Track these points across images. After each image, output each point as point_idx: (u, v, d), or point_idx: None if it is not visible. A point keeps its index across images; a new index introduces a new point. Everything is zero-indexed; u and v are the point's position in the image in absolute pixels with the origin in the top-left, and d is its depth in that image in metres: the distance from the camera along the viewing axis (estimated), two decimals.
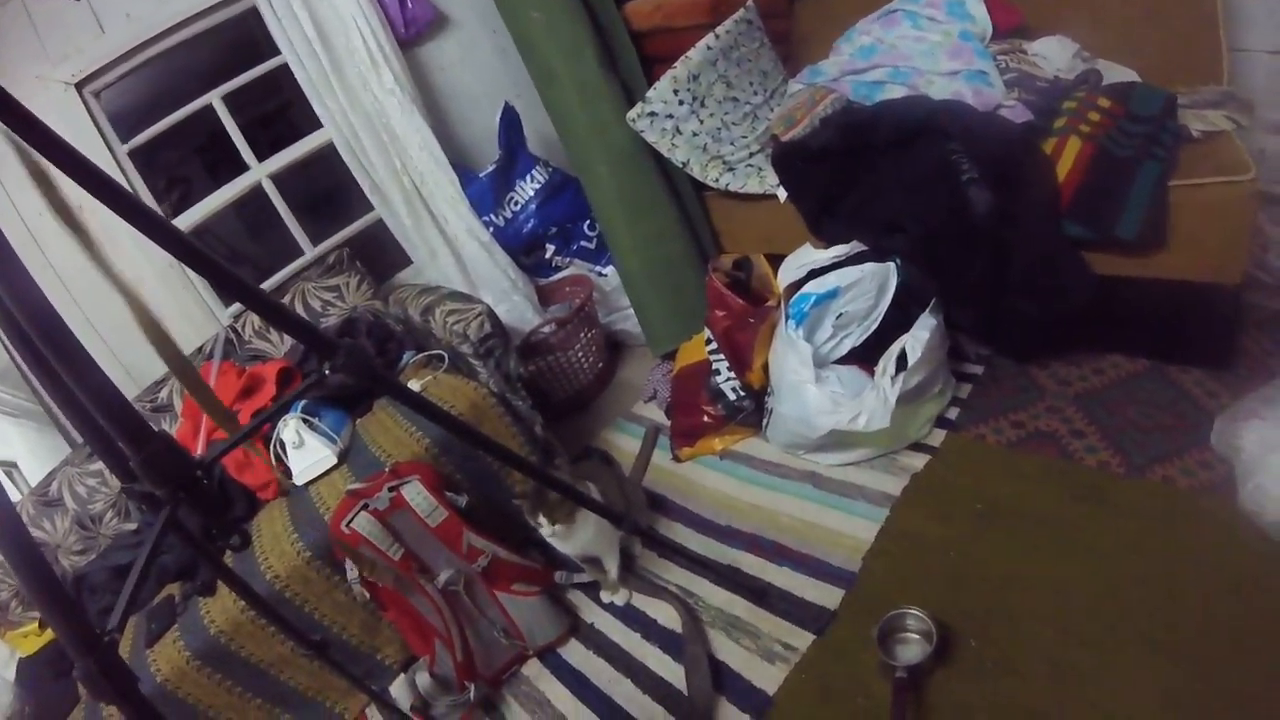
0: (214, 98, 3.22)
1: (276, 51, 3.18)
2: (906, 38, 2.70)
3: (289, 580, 2.19)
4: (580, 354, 3.28)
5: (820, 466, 2.45)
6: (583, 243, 3.52)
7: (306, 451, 2.49)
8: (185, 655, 2.11)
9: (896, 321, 2.36)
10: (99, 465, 2.84)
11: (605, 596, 2.33)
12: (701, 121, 2.92)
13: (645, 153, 3.00)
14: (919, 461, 2.31)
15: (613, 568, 2.29)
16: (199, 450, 2.63)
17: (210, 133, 3.39)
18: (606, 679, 2.13)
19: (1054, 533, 1.94)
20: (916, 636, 1.82)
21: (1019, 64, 2.47)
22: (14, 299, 0.99)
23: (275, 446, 2.53)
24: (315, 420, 2.53)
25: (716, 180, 2.94)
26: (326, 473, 2.49)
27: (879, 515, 2.20)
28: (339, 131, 3.21)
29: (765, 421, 2.63)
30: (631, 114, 2.87)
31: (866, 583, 2.04)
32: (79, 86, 2.90)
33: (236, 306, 3.31)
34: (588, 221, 3.46)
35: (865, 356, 2.39)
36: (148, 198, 3.14)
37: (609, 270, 3.43)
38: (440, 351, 2.78)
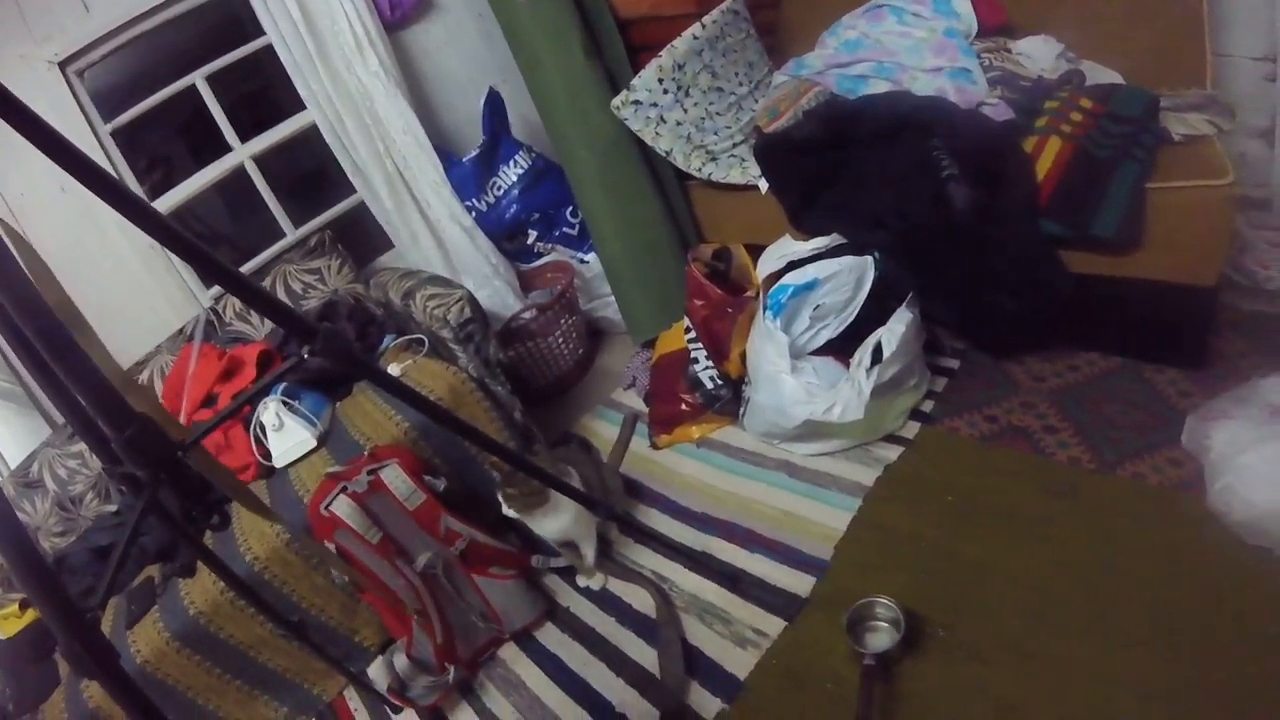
0: (198, 78, 3.21)
1: (261, 32, 3.16)
2: (892, 33, 2.71)
3: (268, 562, 2.20)
4: (560, 340, 3.29)
5: (795, 456, 2.47)
6: (565, 229, 3.52)
7: (286, 434, 2.49)
8: (165, 636, 2.12)
9: (873, 314, 2.38)
10: (79, 447, 2.84)
11: (581, 581, 2.35)
12: (686, 111, 2.92)
13: (629, 140, 3.00)
14: (893, 453, 2.33)
15: (589, 553, 2.30)
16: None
17: (193, 112, 3.37)
18: (581, 662, 2.15)
19: (1025, 526, 1.96)
20: (885, 625, 1.85)
21: (1003, 62, 2.48)
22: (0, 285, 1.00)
23: (255, 429, 2.54)
24: (295, 403, 2.53)
25: (699, 170, 2.95)
26: (306, 455, 2.50)
27: (852, 505, 2.22)
28: (322, 114, 3.20)
29: (742, 411, 2.65)
30: (616, 102, 2.87)
31: (838, 571, 2.06)
32: (62, 66, 2.89)
33: (217, 289, 3.30)
34: (570, 208, 3.46)
35: (841, 348, 2.41)
36: (129, 178, 3.13)
37: (590, 257, 3.44)
38: (420, 336, 2.78)
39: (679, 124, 2.92)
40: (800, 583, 2.07)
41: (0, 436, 3.13)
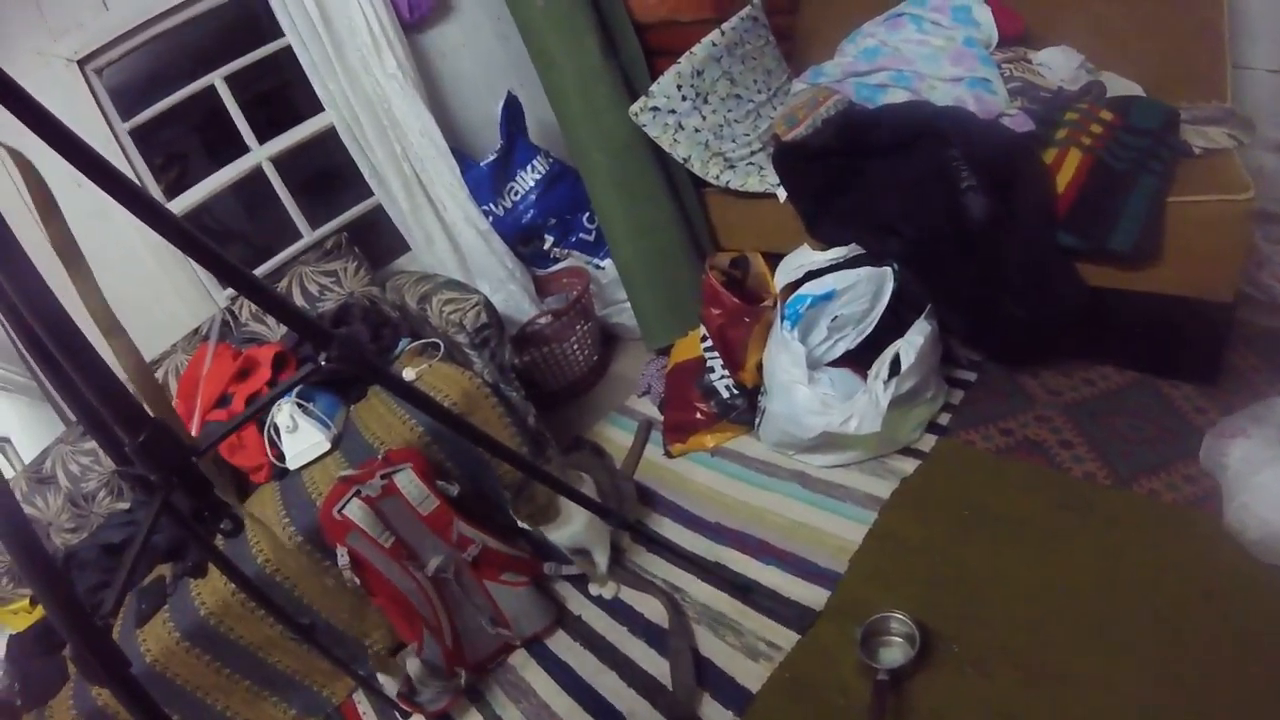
0: (216, 78, 3.22)
1: (279, 33, 3.17)
2: (911, 41, 2.70)
3: (279, 564, 2.20)
4: (575, 346, 3.29)
5: (810, 467, 2.46)
6: (581, 234, 3.52)
7: (300, 436, 2.50)
8: (174, 636, 2.12)
9: (891, 326, 2.37)
10: (92, 444, 2.84)
11: (593, 589, 2.35)
12: (704, 118, 2.92)
13: (644, 144, 3.00)
14: (908, 465, 2.33)
15: (602, 561, 2.30)
16: (193, 432, 2.63)
17: (211, 112, 3.38)
18: (591, 670, 2.14)
19: (1039, 541, 1.95)
20: (899, 639, 1.84)
21: (1023, 73, 2.47)
22: (15, 284, 1.00)
23: (269, 430, 2.54)
24: (309, 405, 2.54)
25: (717, 177, 2.94)
26: (319, 458, 2.50)
27: (866, 517, 2.21)
28: (340, 115, 3.21)
29: (757, 420, 2.64)
30: (634, 108, 2.86)
31: (851, 584, 2.06)
32: (81, 63, 2.90)
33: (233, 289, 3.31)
34: (587, 214, 3.46)
35: (859, 359, 2.40)
36: (146, 177, 3.14)
37: (606, 263, 3.43)
38: (436, 340, 2.78)
39: (697, 131, 2.91)
40: (813, 595, 2.06)
41: (14, 431, 3.14)
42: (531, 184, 3.40)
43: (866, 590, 2.02)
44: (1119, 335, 2.31)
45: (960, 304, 2.40)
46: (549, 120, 3.32)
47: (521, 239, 3.48)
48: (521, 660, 2.27)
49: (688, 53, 2.84)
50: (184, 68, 3.24)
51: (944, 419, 2.43)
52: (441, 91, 3.57)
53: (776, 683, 1.90)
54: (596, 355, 3.46)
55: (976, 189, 2.23)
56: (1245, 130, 2.12)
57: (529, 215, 3.42)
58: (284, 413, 2.49)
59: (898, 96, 2.62)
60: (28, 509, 2.79)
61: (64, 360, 1.07)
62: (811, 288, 2.48)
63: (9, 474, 2.98)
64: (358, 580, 2.11)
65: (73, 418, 2.96)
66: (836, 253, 2.56)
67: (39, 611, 2.53)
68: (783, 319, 2.47)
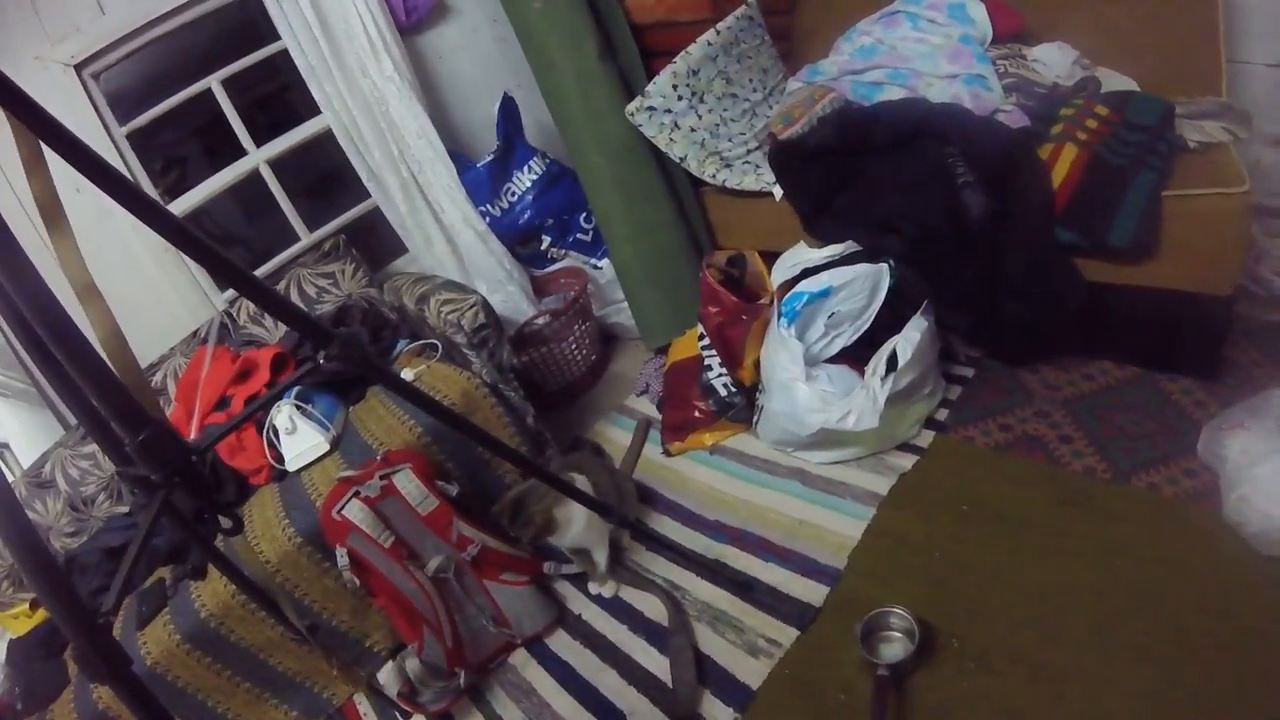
0: (213, 82, 3.22)
1: (276, 36, 3.17)
2: (907, 39, 2.70)
3: (280, 565, 2.20)
4: (574, 346, 3.29)
5: (809, 464, 2.46)
6: (579, 235, 3.52)
7: (299, 438, 2.50)
8: (175, 638, 2.13)
9: (888, 322, 2.38)
10: (92, 447, 2.84)
11: (593, 588, 2.35)
12: (700, 117, 2.92)
13: (642, 144, 3.00)
14: (907, 462, 2.33)
15: (602, 560, 2.30)
16: (192, 435, 2.63)
17: (209, 115, 3.38)
18: (592, 669, 2.14)
19: (1039, 536, 1.95)
20: (899, 635, 1.84)
21: (1018, 69, 2.47)
22: (15, 284, 1.00)
23: (268, 432, 2.54)
24: (308, 407, 2.54)
25: (713, 176, 2.94)
26: (319, 459, 2.50)
27: (865, 514, 2.21)
28: (337, 118, 3.21)
29: (756, 418, 2.65)
30: (630, 108, 2.87)
31: (851, 580, 2.06)
32: (78, 68, 2.90)
33: (232, 291, 3.31)
34: (584, 214, 3.46)
35: (856, 356, 2.41)
36: (144, 181, 3.14)
37: (604, 263, 3.44)
38: (434, 341, 2.78)
39: (693, 130, 2.92)
40: (813, 591, 2.06)
41: (14, 436, 3.14)
42: (529, 185, 3.40)
43: (866, 586, 2.02)
44: (1118, 330, 2.31)
45: (959, 301, 2.40)
46: (546, 121, 3.32)
47: (519, 239, 3.49)
48: (522, 660, 2.26)
49: (683, 52, 2.84)
50: (181, 72, 3.23)
51: (942, 415, 2.43)
52: (439, 93, 3.57)
53: (777, 679, 1.90)
54: (595, 355, 3.46)
55: (974, 186, 2.23)
56: (1242, 124, 2.12)
57: (526, 216, 3.42)
58: (283, 414, 2.49)
59: (894, 94, 2.62)
60: (28, 514, 2.78)
61: (63, 360, 1.07)
62: (808, 285, 2.49)
63: (8, 479, 2.98)
64: (358, 581, 2.11)
65: (72, 422, 2.96)
66: (833, 250, 2.56)
67: (39, 615, 2.54)
68: (780, 316, 2.48)
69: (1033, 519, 2.00)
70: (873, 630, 1.85)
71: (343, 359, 1.30)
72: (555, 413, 3.29)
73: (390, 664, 2.33)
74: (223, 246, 1.20)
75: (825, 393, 2.32)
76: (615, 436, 3.03)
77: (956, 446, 2.32)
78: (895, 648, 1.82)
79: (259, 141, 3.37)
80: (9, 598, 2.71)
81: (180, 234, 1.12)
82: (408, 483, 2.17)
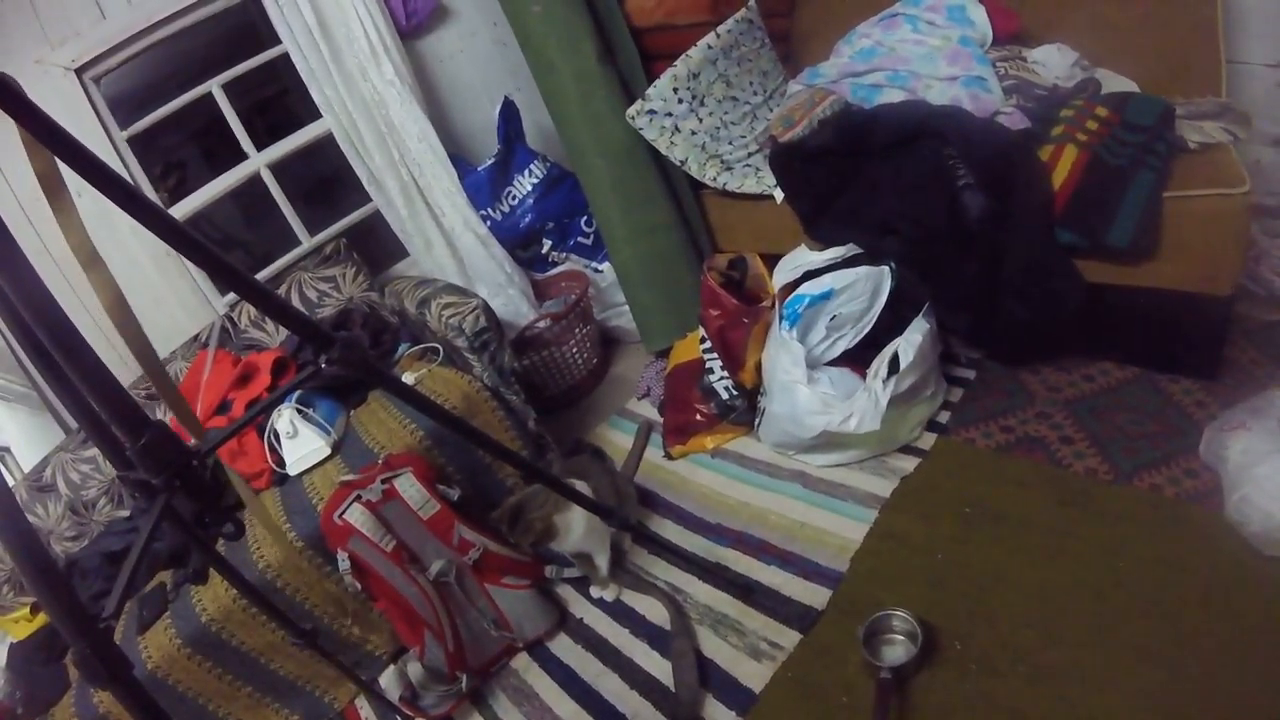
0: (214, 85, 3.22)
1: (277, 40, 3.17)
2: (906, 41, 2.70)
3: (281, 569, 2.20)
4: (575, 349, 3.29)
5: (810, 467, 2.46)
6: (579, 238, 3.53)
7: (300, 442, 2.50)
8: (176, 642, 2.12)
9: (889, 324, 2.38)
10: (92, 451, 2.84)
11: (595, 592, 2.34)
12: (700, 120, 2.92)
13: (642, 148, 3.00)
14: (909, 464, 2.33)
15: (603, 563, 2.30)
16: (193, 439, 2.63)
17: (209, 119, 3.38)
18: (594, 673, 2.14)
19: (1040, 537, 1.95)
20: (901, 637, 1.84)
21: (1018, 71, 2.47)
22: (13, 287, 1.00)
23: (269, 436, 2.54)
24: (309, 411, 2.54)
25: (714, 179, 2.95)
26: (320, 463, 2.50)
27: (867, 516, 2.21)
28: (338, 122, 3.22)
29: (757, 421, 2.65)
30: (631, 111, 2.87)
31: (853, 583, 2.05)
32: (79, 72, 2.90)
33: (232, 295, 3.31)
34: (585, 217, 3.47)
35: (858, 358, 2.41)
36: (145, 184, 3.14)
37: (605, 266, 3.44)
38: (435, 344, 2.78)
39: (694, 133, 2.92)
40: (815, 594, 2.06)
41: (14, 440, 3.14)
42: (529, 188, 3.41)
43: (868, 589, 2.01)
44: (1118, 331, 2.31)
45: (959, 302, 2.40)
46: (546, 125, 3.33)
47: (520, 243, 3.49)
48: (524, 663, 2.26)
49: (683, 56, 2.85)
50: (182, 76, 3.24)
51: (944, 417, 2.43)
52: (439, 97, 3.57)
53: (779, 682, 1.89)
54: (596, 358, 3.46)
55: (973, 187, 2.23)
56: (1241, 125, 2.12)
57: (527, 219, 3.43)
58: (284, 419, 2.49)
59: (894, 96, 2.62)
60: (28, 517, 2.78)
61: (64, 363, 1.07)
62: (809, 288, 2.49)
63: (9, 483, 2.98)
64: (359, 585, 2.11)
65: (73, 425, 2.96)
66: (834, 252, 2.56)
67: (40, 619, 2.53)
68: (781, 319, 2.48)
69: (1034, 520, 2.00)
70: (875, 632, 1.85)
71: (343, 363, 1.30)
72: (556, 416, 3.29)
73: (391, 668, 2.33)
74: (223, 250, 1.19)
75: (827, 395, 2.31)
76: (616, 439, 3.03)
77: (958, 448, 2.32)
78: (897, 650, 1.82)
79: (259, 145, 3.37)
80: (10, 602, 2.71)
81: (181, 238, 1.12)
82: (409, 486, 2.17)
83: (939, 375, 2.46)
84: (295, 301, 3.20)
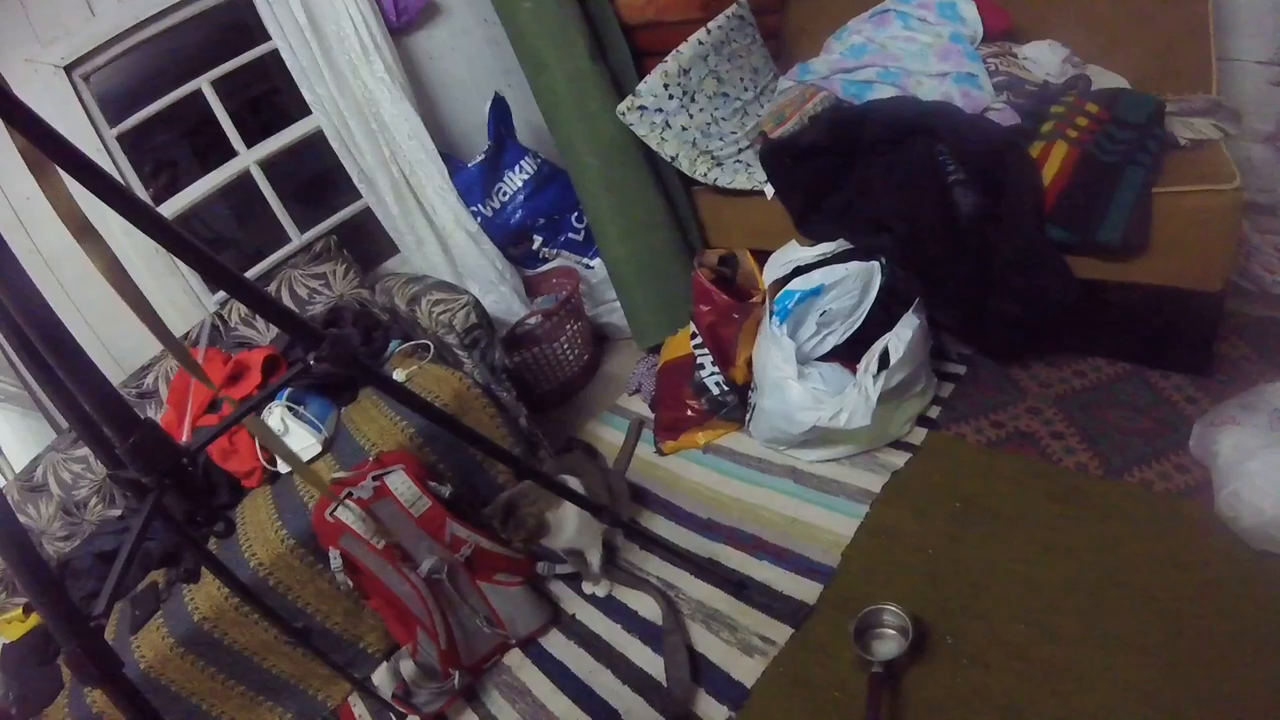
0: (203, 83, 3.21)
1: (267, 37, 3.16)
2: (897, 38, 2.71)
3: (273, 568, 2.20)
4: (566, 346, 3.29)
5: (802, 462, 2.46)
6: (570, 234, 3.52)
7: (291, 440, 2.49)
8: (169, 642, 2.12)
9: (880, 320, 2.38)
10: (84, 451, 2.83)
11: (587, 588, 2.35)
12: (691, 116, 2.92)
13: (634, 144, 3.00)
14: (899, 459, 2.33)
15: (595, 560, 2.30)
16: (184, 437, 2.62)
17: (199, 117, 3.37)
18: (587, 669, 2.14)
19: (1031, 532, 1.96)
20: (893, 632, 1.84)
21: (1008, 67, 2.48)
22: (4, 286, 1.00)
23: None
24: (300, 408, 2.53)
25: (705, 175, 2.94)
26: (311, 461, 2.49)
27: (859, 511, 2.22)
28: (328, 119, 3.21)
29: (748, 417, 2.65)
30: (621, 107, 2.87)
31: (845, 578, 2.06)
32: (68, 70, 2.88)
33: (222, 293, 3.30)
34: (576, 213, 3.47)
35: (848, 354, 2.41)
36: (135, 183, 3.13)
37: (596, 263, 3.44)
38: (426, 341, 2.78)
39: (684, 129, 2.92)
40: (807, 590, 2.06)
41: (5, 440, 3.13)
42: (520, 184, 3.40)
43: (860, 584, 2.02)
44: (1109, 327, 2.32)
45: (951, 298, 2.40)
46: (537, 121, 3.32)
47: (511, 240, 3.48)
48: (517, 660, 2.27)
49: (674, 52, 2.84)
50: (172, 74, 3.22)
51: (934, 412, 2.44)
52: (430, 94, 3.57)
53: (772, 678, 1.90)
54: (587, 355, 3.46)
55: (964, 183, 2.24)
56: (1232, 122, 2.12)
57: (518, 216, 3.43)
58: (275, 416, 2.48)
59: (885, 93, 2.62)
60: (20, 518, 2.77)
61: (54, 362, 1.07)
62: (800, 283, 2.49)
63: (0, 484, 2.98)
64: (351, 583, 2.10)
65: (64, 425, 2.95)
66: (824, 248, 2.56)
67: (33, 620, 2.52)
68: (772, 315, 2.48)
69: (1025, 515, 2.01)
70: (867, 627, 1.86)
71: (333, 360, 1.30)
72: (548, 413, 3.29)
73: (384, 666, 2.33)
74: (214, 248, 1.19)
75: (817, 391, 2.32)
76: (608, 436, 3.03)
77: (949, 444, 2.33)
78: (889, 645, 1.83)
79: (250, 143, 3.36)
80: (2, 603, 2.70)
81: (170, 236, 1.12)
82: (401, 484, 2.16)
83: (930, 371, 2.46)
84: (286, 299, 3.19)
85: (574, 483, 2.21)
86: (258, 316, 3.16)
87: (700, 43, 2.87)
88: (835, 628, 1.90)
